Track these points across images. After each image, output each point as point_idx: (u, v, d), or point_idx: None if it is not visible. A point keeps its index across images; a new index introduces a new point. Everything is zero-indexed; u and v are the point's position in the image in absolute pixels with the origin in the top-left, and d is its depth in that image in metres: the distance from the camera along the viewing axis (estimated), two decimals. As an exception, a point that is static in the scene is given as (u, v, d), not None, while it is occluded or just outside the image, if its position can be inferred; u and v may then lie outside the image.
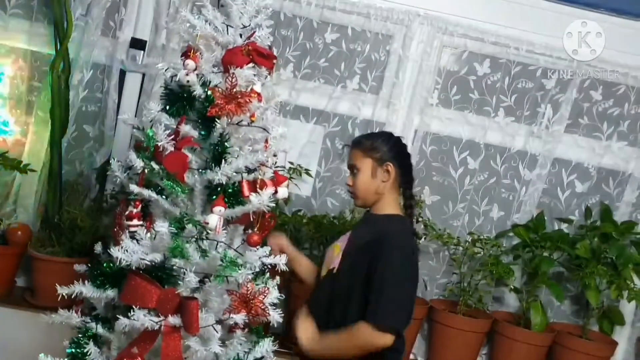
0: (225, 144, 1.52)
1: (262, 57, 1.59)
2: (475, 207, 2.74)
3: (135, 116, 2.54)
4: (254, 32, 1.62)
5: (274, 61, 1.65)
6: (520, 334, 2.50)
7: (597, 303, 2.51)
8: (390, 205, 1.84)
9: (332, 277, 1.80)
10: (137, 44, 2.59)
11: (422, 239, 2.55)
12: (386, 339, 1.63)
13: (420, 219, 2.52)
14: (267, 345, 1.63)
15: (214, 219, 1.46)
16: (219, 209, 1.47)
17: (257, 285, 1.48)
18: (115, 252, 1.42)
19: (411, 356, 2.66)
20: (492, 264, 2.49)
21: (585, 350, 2.51)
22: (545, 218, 2.66)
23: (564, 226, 2.73)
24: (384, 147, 1.83)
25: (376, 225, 1.82)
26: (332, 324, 1.74)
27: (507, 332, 2.52)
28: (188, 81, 1.53)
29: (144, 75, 2.61)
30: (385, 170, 1.80)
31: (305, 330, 1.76)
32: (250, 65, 1.57)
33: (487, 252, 2.54)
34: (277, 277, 1.62)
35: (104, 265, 1.53)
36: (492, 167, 2.74)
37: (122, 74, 2.61)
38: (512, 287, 2.57)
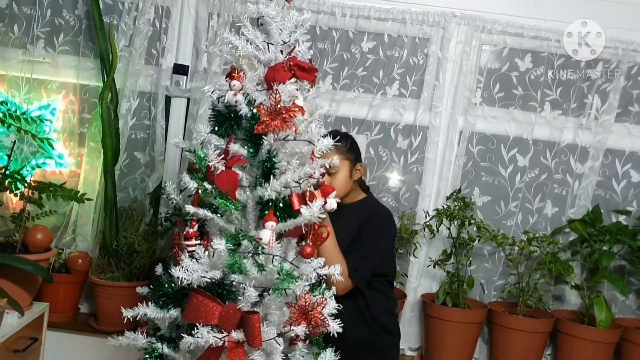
0: (274, 159, 1.54)
1: (304, 71, 1.61)
2: (528, 204, 2.68)
3: (183, 139, 2.61)
4: (294, 48, 1.64)
5: (316, 74, 1.67)
6: (585, 332, 2.42)
7: (665, 295, 2.42)
8: (356, 193, 2.04)
9: None
10: (180, 69, 2.66)
11: (476, 242, 2.50)
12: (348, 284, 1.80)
13: (472, 221, 2.49)
14: (328, 356, 1.63)
15: (267, 234, 1.48)
16: (271, 224, 1.49)
17: (314, 296, 1.49)
18: (176, 272, 1.45)
19: (473, 361, 2.61)
20: (550, 261, 2.42)
21: (656, 346, 2.41)
22: (602, 211, 2.57)
23: (621, 218, 2.64)
24: (355, 148, 2.01)
25: (361, 211, 1.97)
26: None
27: (571, 330, 2.45)
28: (236, 101, 1.55)
29: (188, 99, 2.68)
30: (357, 170, 2.00)
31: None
32: (293, 80, 1.59)
33: (543, 250, 2.48)
34: None
35: (166, 285, 1.56)
36: (543, 163, 2.67)
37: (168, 99, 2.68)
38: (573, 284, 2.49)
